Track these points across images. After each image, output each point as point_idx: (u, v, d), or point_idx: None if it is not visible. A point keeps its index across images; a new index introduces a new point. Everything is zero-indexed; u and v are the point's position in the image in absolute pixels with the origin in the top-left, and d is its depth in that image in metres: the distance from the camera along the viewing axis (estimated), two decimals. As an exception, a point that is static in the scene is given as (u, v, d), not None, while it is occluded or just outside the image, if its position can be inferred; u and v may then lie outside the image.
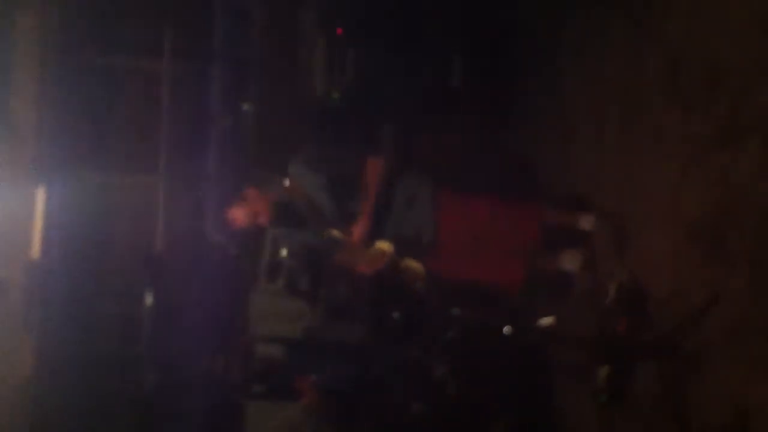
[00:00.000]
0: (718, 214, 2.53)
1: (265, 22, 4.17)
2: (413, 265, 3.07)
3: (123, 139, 3.39)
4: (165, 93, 3.59)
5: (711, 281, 2.54)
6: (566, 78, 3.76)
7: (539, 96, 4.09)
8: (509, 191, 3.49)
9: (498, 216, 3.27)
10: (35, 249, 3.07)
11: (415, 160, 4.06)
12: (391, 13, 4.06)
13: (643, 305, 2.92)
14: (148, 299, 3.31)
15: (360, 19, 4.10)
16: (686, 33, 2.77)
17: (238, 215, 3.09)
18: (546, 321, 3.46)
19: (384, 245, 3.05)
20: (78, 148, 3.23)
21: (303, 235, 3.27)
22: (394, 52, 4.00)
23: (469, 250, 3.26)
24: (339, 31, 4.18)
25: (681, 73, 2.78)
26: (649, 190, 2.95)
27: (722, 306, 2.49)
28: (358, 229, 3.08)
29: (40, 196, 3.14)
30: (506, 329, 3.23)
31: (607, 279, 3.05)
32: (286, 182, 3.12)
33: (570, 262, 3.32)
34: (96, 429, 2.91)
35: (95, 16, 3.36)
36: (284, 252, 3.66)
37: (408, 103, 3.97)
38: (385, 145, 4.02)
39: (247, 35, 4.07)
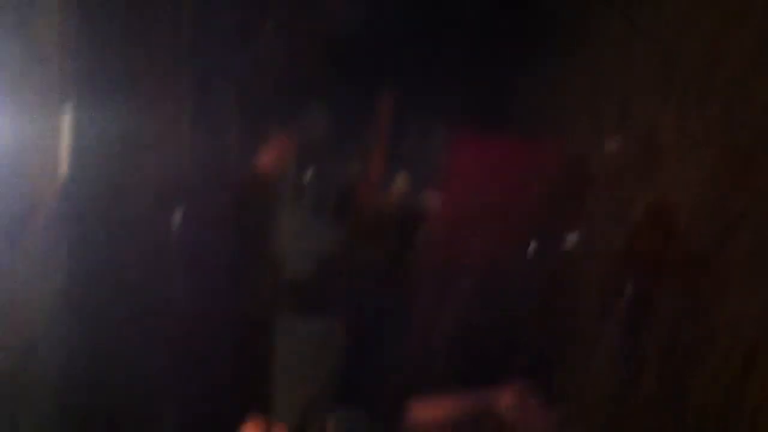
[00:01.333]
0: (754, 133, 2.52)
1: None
2: (424, 206, 3.12)
3: (150, 60, 3.37)
4: (190, 13, 3.56)
5: (742, 199, 2.55)
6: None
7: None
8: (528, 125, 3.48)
9: (514, 148, 3.28)
10: (64, 168, 3.08)
11: (428, 93, 4.04)
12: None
13: (671, 225, 2.94)
14: (176, 218, 3.35)
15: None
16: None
17: (265, 162, 3.21)
18: (570, 240, 3.48)
19: (399, 185, 3.12)
20: (105, 68, 3.22)
21: (323, 175, 3.37)
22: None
23: (482, 183, 3.29)
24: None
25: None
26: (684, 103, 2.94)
27: (749, 226, 2.50)
28: (373, 170, 3.14)
29: (67, 115, 3.14)
30: (530, 249, 3.27)
31: (634, 199, 3.07)
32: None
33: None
34: (128, 331, 2.97)
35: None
36: (309, 174, 3.70)
37: (424, 37, 3.92)
38: (397, 81, 4.00)
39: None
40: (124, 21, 3.39)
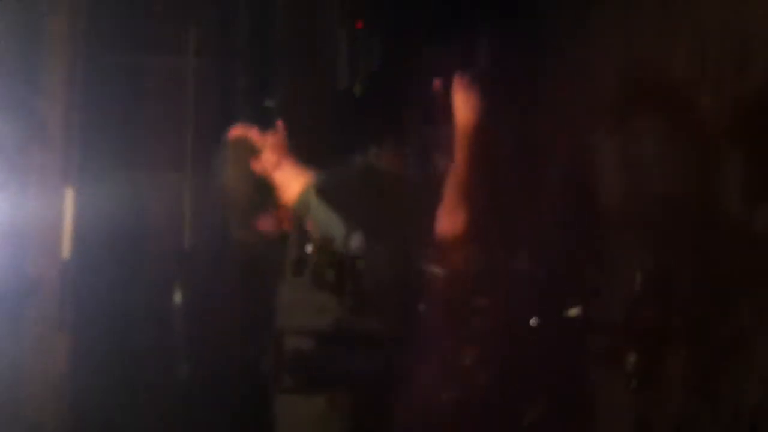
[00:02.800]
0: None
1: (287, 18, 4.19)
2: (431, 269, 3.13)
3: (150, 138, 3.42)
4: (190, 91, 3.62)
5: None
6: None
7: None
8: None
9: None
10: (66, 248, 3.10)
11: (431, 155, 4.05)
12: (412, 3, 4.05)
13: (670, 292, 2.93)
14: (178, 296, 3.36)
15: (381, 11, 4.10)
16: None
17: (265, 223, 3.22)
18: (574, 311, 3.46)
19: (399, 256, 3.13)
20: (106, 147, 3.27)
21: (324, 240, 3.37)
22: (416, 43, 4.00)
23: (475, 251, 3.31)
24: (359, 24, 4.19)
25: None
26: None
27: (759, 289, 2.49)
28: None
29: (70, 195, 3.17)
30: (533, 321, 3.25)
31: (633, 266, 3.06)
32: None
33: None
34: (131, 421, 2.95)
35: (122, 17, 3.40)
36: (309, 248, 3.69)
37: (432, 95, 3.96)
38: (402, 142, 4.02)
39: (270, 33, 4.10)
40: (126, 98, 3.45)
